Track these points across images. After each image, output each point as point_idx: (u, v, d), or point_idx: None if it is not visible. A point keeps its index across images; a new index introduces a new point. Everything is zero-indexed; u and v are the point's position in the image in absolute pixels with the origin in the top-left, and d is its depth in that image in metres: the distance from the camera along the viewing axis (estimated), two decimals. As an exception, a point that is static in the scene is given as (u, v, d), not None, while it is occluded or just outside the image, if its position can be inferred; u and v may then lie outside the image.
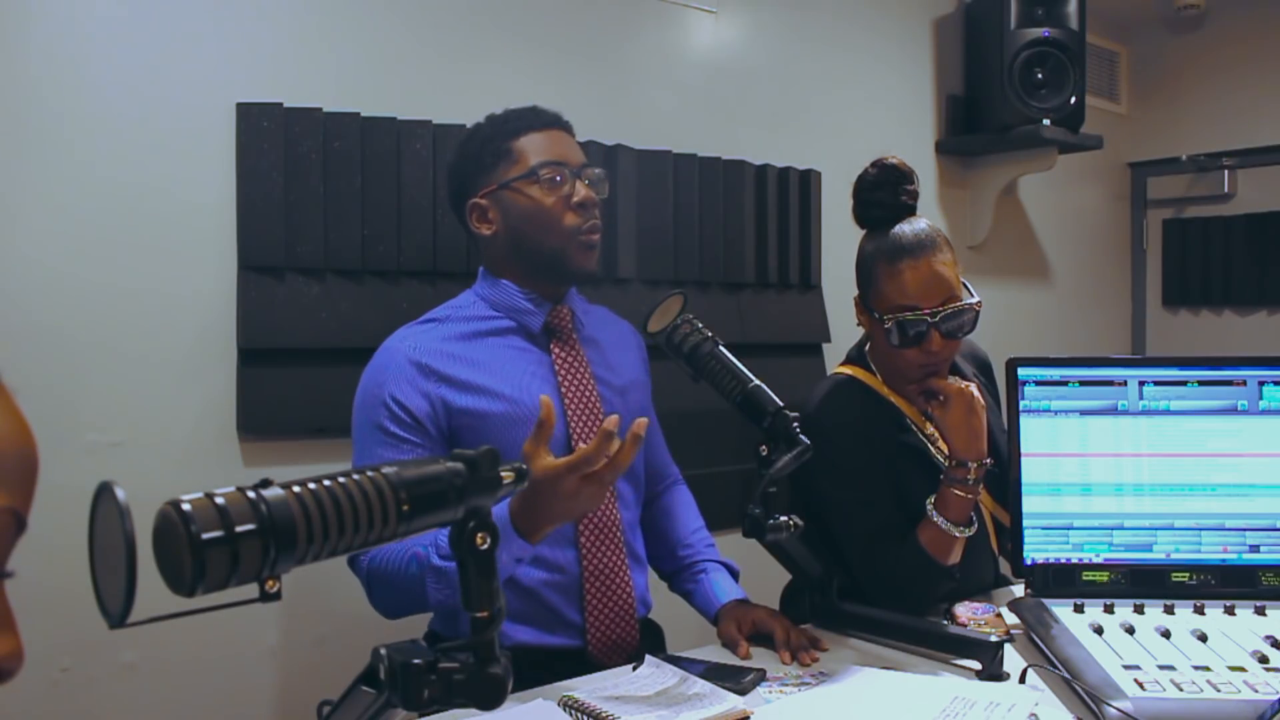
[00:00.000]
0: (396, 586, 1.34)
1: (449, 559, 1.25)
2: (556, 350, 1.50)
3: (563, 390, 1.47)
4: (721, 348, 1.37)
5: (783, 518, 1.29)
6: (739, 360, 1.36)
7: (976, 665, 1.30)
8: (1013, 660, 1.31)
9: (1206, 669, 1.21)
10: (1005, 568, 1.65)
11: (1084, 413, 1.53)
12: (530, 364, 1.47)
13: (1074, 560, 1.51)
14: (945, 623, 1.43)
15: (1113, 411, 1.53)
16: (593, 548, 1.47)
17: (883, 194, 1.53)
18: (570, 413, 1.46)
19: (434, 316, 1.50)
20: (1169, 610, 1.40)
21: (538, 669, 1.32)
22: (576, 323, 1.54)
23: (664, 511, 1.68)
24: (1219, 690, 1.14)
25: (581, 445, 1.22)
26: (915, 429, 1.57)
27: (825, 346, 2.61)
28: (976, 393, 1.47)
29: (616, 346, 1.61)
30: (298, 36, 1.81)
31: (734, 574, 1.61)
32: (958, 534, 1.44)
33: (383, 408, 1.40)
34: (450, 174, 1.56)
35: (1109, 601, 1.43)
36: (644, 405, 1.64)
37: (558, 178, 1.47)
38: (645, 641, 1.54)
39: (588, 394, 1.49)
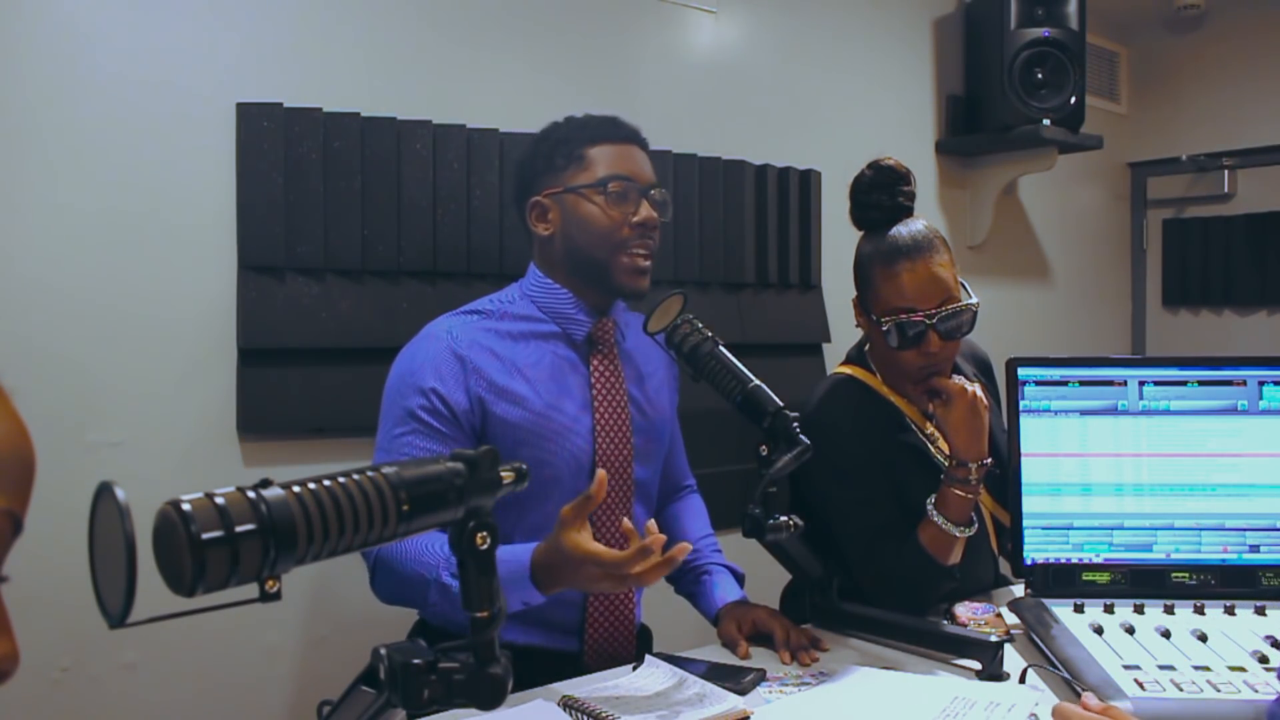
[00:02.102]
0: (400, 582, 1.33)
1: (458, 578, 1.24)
2: (596, 363, 1.49)
3: (595, 406, 1.47)
4: (721, 348, 1.37)
5: (783, 518, 1.29)
6: (739, 360, 1.36)
7: (976, 665, 1.30)
8: (1013, 660, 1.31)
9: (1206, 669, 1.21)
10: (1005, 568, 1.65)
11: (1084, 413, 1.53)
12: (568, 375, 1.47)
13: (1074, 560, 1.51)
14: (945, 623, 1.43)
15: (1113, 411, 1.53)
16: None
17: (879, 195, 1.53)
18: (599, 430, 1.46)
19: (478, 309, 1.49)
20: (1169, 610, 1.40)
21: (530, 669, 1.32)
22: (618, 336, 1.54)
23: (674, 518, 1.68)
24: (1219, 690, 1.15)
25: (597, 493, 1.13)
26: (915, 429, 1.57)
27: (825, 346, 2.61)
28: (980, 393, 1.47)
29: (650, 359, 1.60)
30: (298, 36, 1.81)
31: (738, 578, 1.60)
32: (958, 534, 1.44)
33: (419, 395, 1.38)
34: (517, 169, 1.56)
35: (1109, 601, 1.43)
36: (670, 422, 1.63)
37: (625, 193, 1.46)
38: (635, 647, 1.54)
39: (619, 413, 1.49)
